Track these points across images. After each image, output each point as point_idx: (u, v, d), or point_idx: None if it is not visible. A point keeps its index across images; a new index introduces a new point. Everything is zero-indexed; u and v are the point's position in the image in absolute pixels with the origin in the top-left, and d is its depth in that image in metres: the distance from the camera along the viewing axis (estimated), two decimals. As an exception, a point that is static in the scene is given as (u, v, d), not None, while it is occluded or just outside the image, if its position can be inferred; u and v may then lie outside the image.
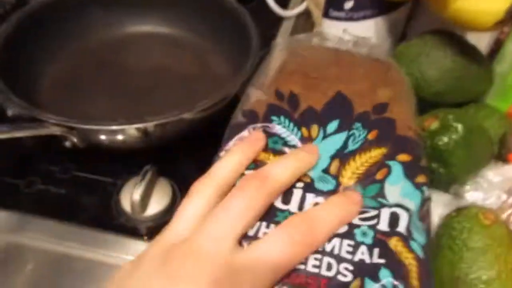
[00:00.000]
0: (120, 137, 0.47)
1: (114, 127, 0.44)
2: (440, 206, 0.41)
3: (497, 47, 0.56)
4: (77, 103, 0.56)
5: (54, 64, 0.61)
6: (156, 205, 0.46)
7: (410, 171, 0.33)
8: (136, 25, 0.66)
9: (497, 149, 0.44)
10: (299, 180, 0.32)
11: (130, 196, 0.45)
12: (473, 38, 0.53)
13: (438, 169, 0.40)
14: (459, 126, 0.38)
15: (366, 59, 0.44)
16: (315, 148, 0.33)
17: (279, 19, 0.74)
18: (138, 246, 0.45)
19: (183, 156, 0.53)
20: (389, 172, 0.33)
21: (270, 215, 0.30)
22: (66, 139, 0.47)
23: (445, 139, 0.38)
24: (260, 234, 0.29)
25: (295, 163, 0.31)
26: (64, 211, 0.47)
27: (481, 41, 0.55)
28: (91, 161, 0.52)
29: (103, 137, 0.47)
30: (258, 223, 0.29)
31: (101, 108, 0.55)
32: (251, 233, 0.29)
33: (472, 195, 0.38)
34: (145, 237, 0.45)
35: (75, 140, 0.47)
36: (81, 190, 0.49)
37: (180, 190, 0.49)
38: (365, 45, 0.46)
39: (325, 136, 0.36)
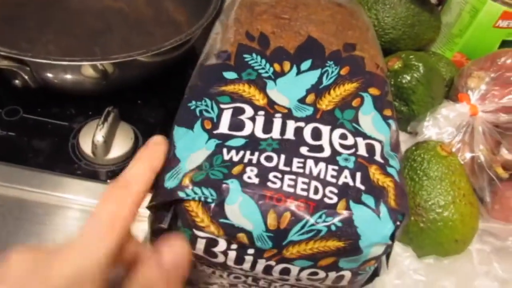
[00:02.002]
0: (77, 76, 0.44)
1: (74, 63, 0.41)
2: (398, 143, 0.43)
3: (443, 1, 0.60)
4: (20, 42, 0.52)
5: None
6: (118, 149, 0.45)
7: (379, 104, 0.35)
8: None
9: (446, 91, 0.48)
10: (276, 111, 0.33)
11: (90, 138, 0.43)
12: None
13: (400, 107, 0.42)
14: (421, 65, 0.41)
15: (332, 4, 0.45)
16: (160, 139, 0.30)
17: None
18: (100, 189, 0.43)
19: (142, 101, 0.52)
20: (362, 102, 0.34)
21: (253, 145, 0.30)
22: (16, 77, 0.44)
23: (408, 77, 0.41)
24: (245, 160, 0.29)
25: (149, 161, 0.28)
26: (15, 155, 0.44)
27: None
28: (41, 104, 0.48)
29: (58, 75, 0.44)
30: (242, 151, 0.30)
31: (50, 48, 0.51)
32: (235, 159, 0.29)
33: (429, 130, 0.41)
34: (108, 181, 0.44)
35: (26, 77, 0.43)
36: (33, 134, 0.46)
37: (142, 135, 0.47)
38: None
39: (299, 72, 0.37)
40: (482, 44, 0.52)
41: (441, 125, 0.41)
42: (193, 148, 0.31)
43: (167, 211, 0.29)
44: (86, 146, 0.44)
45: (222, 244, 0.29)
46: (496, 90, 0.44)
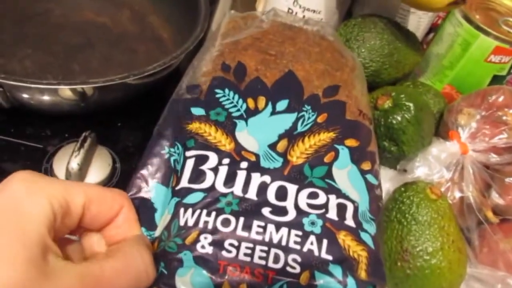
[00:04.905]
0: (53, 98, 0.42)
1: (51, 86, 0.39)
2: (386, 182, 0.42)
3: (434, 28, 0.59)
4: (-5, 57, 0.49)
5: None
6: (95, 175, 0.42)
7: (356, 156, 0.33)
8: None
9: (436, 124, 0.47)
10: (243, 158, 0.31)
11: (65, 164, 0.41)
12: (414, 20, 0.55)
13: (389, 147, 0.41)
14: (411, 105, 0.40)
15: (320, 39, 0.43)
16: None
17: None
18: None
19: (122, 124, 0.49)
20: (336, 156, 0.32)
21: (211, 202, 0.28)
22: (-12, 98, 0.41)
23: (399, 118, 0.40)
24: (200, 225, 0.27)
25: None
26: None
27: (421, 23, 0.57)
28: (14, 124, 0.46)
29: (34, 96, 0.41)
30: (198, 211, 0.28)
31: (26, 64, 0.49)
32: (190, 223, 0.27)
33: (419, 170, 0.39)
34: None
35: (-1, 98, 0.41)
36: (4, 156, 0.44)
37: (121, 160, 0.45)
38: (316, 24, 0.45)
39: (273, 113, 0.34)
40: (473, 78, 0.51)
41: (432, 165, 0.39)
42: (164, 211, 0.29)
43: None
44: (60, 172, 0.42)
45: None
46: (487, 129, 0.43)
